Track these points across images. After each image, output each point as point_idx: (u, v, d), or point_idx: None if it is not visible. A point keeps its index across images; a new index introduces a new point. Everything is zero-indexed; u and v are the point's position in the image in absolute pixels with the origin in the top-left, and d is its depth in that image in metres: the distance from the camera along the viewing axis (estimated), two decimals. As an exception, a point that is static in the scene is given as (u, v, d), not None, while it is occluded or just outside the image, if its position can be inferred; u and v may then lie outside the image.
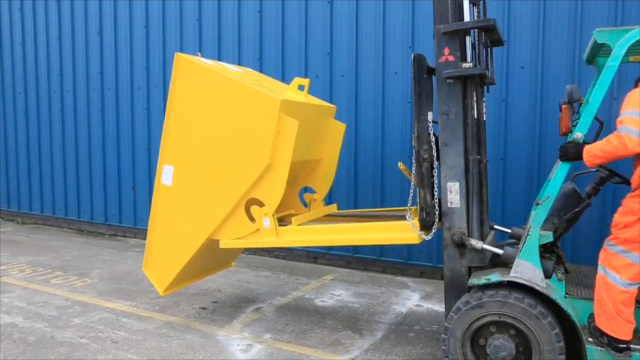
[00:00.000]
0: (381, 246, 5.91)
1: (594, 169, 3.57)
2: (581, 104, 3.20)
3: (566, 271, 3.50)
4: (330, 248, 6.25)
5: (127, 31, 7.47)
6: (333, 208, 4.78)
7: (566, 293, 3.17)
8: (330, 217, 4.58)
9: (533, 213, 3.24)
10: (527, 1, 5.06)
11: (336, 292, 5.32)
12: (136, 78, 7.45)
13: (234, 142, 3.90)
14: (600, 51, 3.46)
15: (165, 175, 4.17)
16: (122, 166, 7.69)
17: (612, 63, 2.95)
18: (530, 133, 5.15)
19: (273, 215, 3.89)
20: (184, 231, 4.14)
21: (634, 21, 4.64)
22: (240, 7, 6.57)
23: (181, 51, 7.01)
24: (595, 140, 3.49)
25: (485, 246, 3.24)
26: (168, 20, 7.11)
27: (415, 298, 5.12)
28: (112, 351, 3.86)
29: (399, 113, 5.72)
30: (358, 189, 5.98)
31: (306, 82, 4.30)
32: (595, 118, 3.06)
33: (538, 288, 3.00)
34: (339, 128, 4.69)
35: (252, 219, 3.95)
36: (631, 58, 3.51)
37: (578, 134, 3.02)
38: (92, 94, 7.89)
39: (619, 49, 2.94)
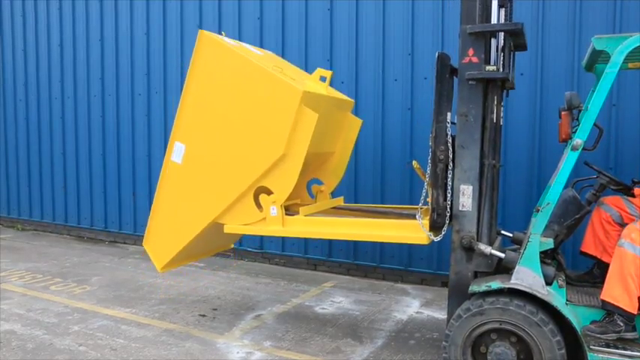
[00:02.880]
0: (381, 253, 5.90)
1: (594, 176, 3.57)
2: (580, 111, 3.20)
3: (567, 278, 3.49)
4: (330, 255, 6.23)
5: (127, 37, 7.49)
6: (339, 201, 4.72)
7: (567, 300, 3.16)
8: (336, 210, 4.51)
9: (533, 220, 3.24)
10: (526, 9, 5.08)
11: (337, 299, 5.30)
12: (137, 84, 7.47)
13: (250, 127, 3.83)
14: (599, 58, 3.48)
15: (176, 152, 4.10)
16: (122, 173, 7.69)
17: (611, 70, 2.96)
18: (530, 139, 5.15)
19: (280, 204, 3.83)
20: (190, 211, 4.09)
21: (632, 28, 4.65)
22: (240, 14, 6.60)
23: (181, 56, 7.04)
24: (595, 147, 3.50)
25: (494, 251, 3.22)
26: (169, 27, 7.13)
27: (415, 305, 5.10)
28: (110, 358, 3.84)
29: (398, 120, 5.73)
30: (358, 189, 5.97)
31: (328, 73, 4.20)
32: (595, 124, 3.07)
33: (539, 295, 2.99)
34: (356, 123, 4.64)
35: (259, 207, 3.90)
36: (630, 65, 3.52)
37: (577, 141, 3.02)
38: (93, 101, 7.90)
39: (617, 56, 2.95)
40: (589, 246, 3.60)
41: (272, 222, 3.86)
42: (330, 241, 6.19)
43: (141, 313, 4.84)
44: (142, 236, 7.83)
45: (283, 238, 6.49)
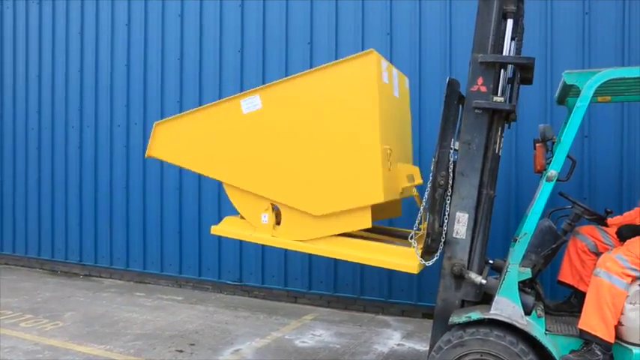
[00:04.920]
0: (362, 284, 5.87)
1: (569, 206, 3.64)
2: (554, 143, 3.29)
3: (546, 308, 3.50)
4: (310, 287, 6.17)
5: (107, 69, 7.49)
6: None
7: (546, 330, 3.17)
8: None
9: (511, 250, 3.27)
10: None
11: (317, 332, 5.23)
12: (116, 116, 7.43)
13: (317, 167, 3.62)
14: (570, 91, 3.60)
15: (250, 102, 3.79)
16: (99, 204, 7.56)
17: (581, 104, 3.06)
18: (507, 170, 5.24)
19: (272, 211, 3.75)
20: (213, 154, 3.91)
21: (601, 63, 4.84)
22: (222, 49, 6.67)
23: (161, 92, 7.03)
24: (568, 178, 3.58)
25: (484, 281, 3.21)
26: (150, 59, 7.16)
27: (397, 337, 5.05)
28: (82, 398, 3.69)
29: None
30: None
31: (418, 182, 3.96)
32: (568, 156, 3.15)
33: (518, 325, 2.99)
34: (397, 209, 4.49)
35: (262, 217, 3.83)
36: (599, 99, 3.64)
37: (552, 172, 3.10)
38: (70, 132, 7.82)
39: (587, 91, 3.06)
40: (566, 275, 3.64)
41: (261, 230, 3.76)
42: (310, 273, 6.15)
43: (116, 349, 4.68)
44: (118, 270, 7.69)
45: (263, 270, 6.42)
